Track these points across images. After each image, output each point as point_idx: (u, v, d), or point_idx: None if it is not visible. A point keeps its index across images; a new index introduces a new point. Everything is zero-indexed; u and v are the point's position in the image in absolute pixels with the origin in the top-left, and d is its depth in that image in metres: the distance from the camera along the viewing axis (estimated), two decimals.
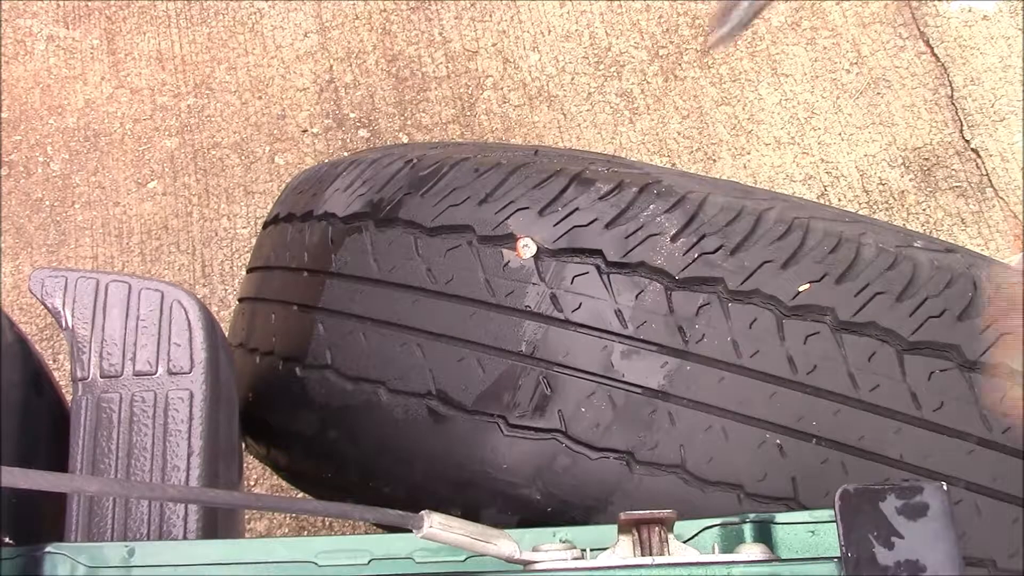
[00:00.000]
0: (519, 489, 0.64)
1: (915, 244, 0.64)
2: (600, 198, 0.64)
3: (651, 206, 0.63)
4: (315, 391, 0.74)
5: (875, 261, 0.61)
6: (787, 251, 0.61)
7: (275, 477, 1.39)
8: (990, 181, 1.58)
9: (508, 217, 0.64)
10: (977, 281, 0.60)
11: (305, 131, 1.72)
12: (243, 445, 0.90)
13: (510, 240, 0.64)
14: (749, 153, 1.64)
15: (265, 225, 0.90)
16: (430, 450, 0.68)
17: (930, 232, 1.56)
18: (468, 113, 1.71)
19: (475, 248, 0.66)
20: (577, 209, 0.64)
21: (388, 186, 0.73)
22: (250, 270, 0.92)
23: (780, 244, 0.61)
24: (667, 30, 1.74)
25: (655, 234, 0.63)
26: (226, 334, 0.81)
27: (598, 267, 0.63)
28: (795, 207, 0.65)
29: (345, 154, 1.69)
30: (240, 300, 0.92)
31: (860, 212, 1.58)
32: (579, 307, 0.62)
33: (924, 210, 1.58)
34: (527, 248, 0.63)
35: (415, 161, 0.73)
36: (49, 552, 0.55)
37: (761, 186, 1.61)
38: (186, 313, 0.74)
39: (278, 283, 0.82)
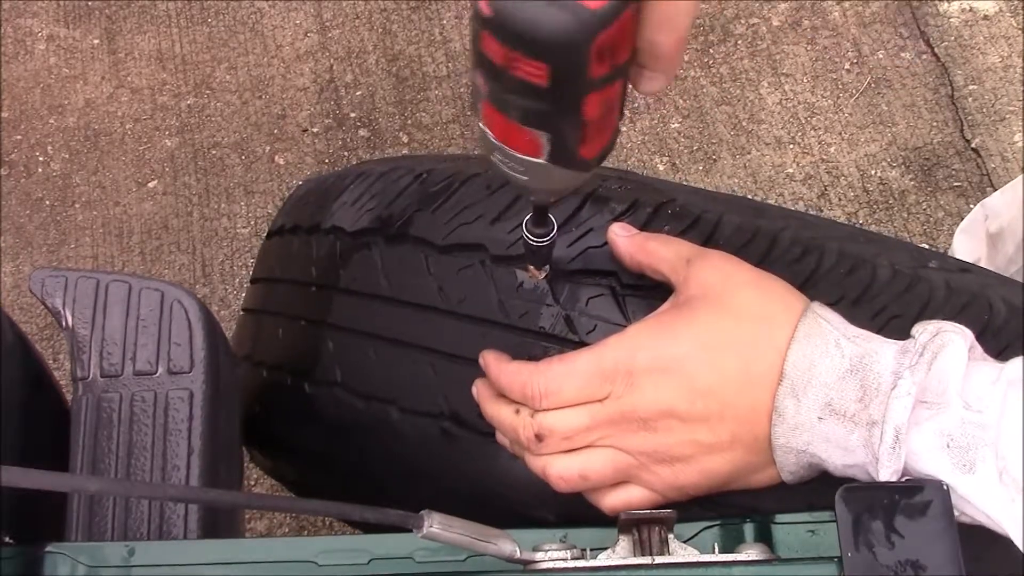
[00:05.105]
0: (532, 510, 0.63)
1: (930, 264, 0.63)
2: (614, 218, 0.63)
3: (666, 227, 0.62)
4: (324, 408, 0.73)
5: (891, 283, 0.60)
6: (803, 274, 0.60)
7: None
8: (990, 181, 1.58)
9: (521, 237, 0.63)
10: (992, 302, 0.60)
11: (305, 131, 1.72)
12: (248, 456, 0.90)
13: (523, 260, 0.63)
14: (749, 152, 1.64)
15: (269, 235, 0.89)
16: (442, 470, 0.67)
17: (931, 232, 1.56)
18: (468, 113, 1.71)
19: (488, 268, 0.65)
20: (591, 230, 0.63)
21: (397, 201, 0.72)
22: (254, 280, 0.91)
23: (796, 266, 0.60)
24: None
25: None
26: (228, 337, 0.81)
27: (613, 289, 0.62)
28: (809, 227, 0.64)
29: (345, 153, 1.69)
30: (245, 311, 0.92)
31: (860, 212, 1.58)
32: (594, 329, 0.61)
33: (924, 210, 1.58)
34: (541, 269, 0.62)
35: (425, 176, 0.72)
36: (49, 551, 0.55)
37: (761, 185, 1.61)
38: (186, 313, 0.74)
39: (285, 297, 0.82)
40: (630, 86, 0.48)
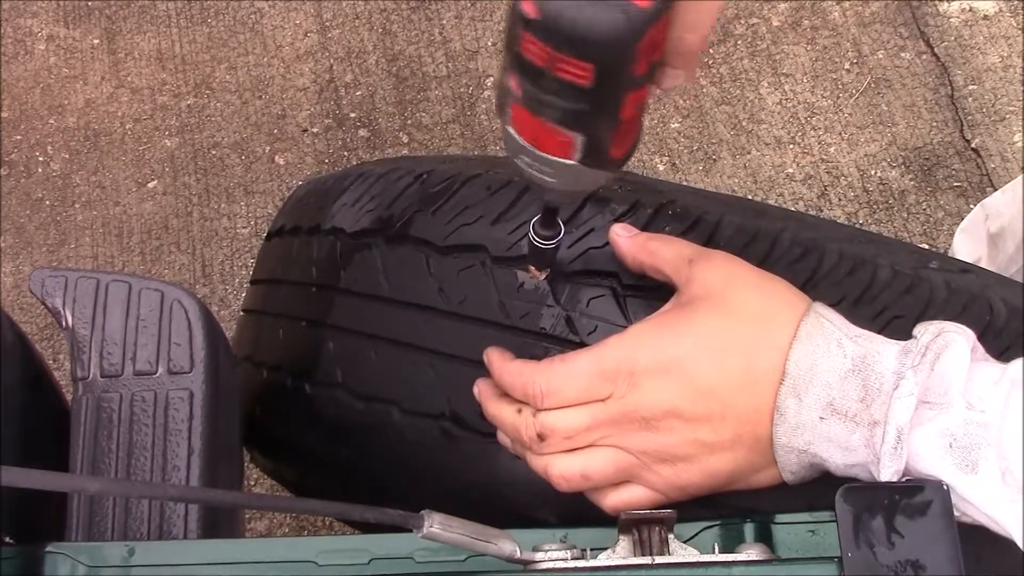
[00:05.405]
0: (533, 511, 0.63)
1: (930, 265, 0.63)
2: (615, 219, 0.63)
3: (667, 228, 0.62)
4: (325, 409, 0.73)
5: (892, 284, 0.60)
6: (804, 275, 0.60)
7: None
8: (990, 181, 1.58)
9: (522, 238, 0.63)
10: (993, 303, 0.60)
11: (305, 131, 1.72)
12: (248, 457, 0.90)
13: (524, 261, 0.63)
14: (749, 152, 1.64)
15: (269, 236, 0.89)
16: (443, 471, 0.67)
17: (931, 232, 1.56)
18: (468, 113, 1.71)
19: (488, 269, 0.65)
20: (592, 230, 0.63)
21: (398, 202, 0.72)
22: (255, 281, 0.91)
23: (797, 267, 0.60)
24: None
25: None
26: (228, 337, 0.81)
27: (614, 290, 0.61)
28: (809, 227, 0.64)
29: (345, 153, 1.69)
30: (245, 311, 0.92)
31: (860, 212, 1.58)
32: (595, 330, 0.61)
33: (924, 210, 1.58)
34: (542, 270, 0.62)
35: (425, 177, 0.72)
36: (49, 551, 0.55)
37: (761, 185, 1.61)
38: (186, 313, 0.74)
39: (285, 298, 0.81)
40: None
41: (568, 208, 0.63)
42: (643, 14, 0.42)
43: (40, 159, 1.74)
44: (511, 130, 0.48)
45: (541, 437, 0.55)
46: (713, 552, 0.52)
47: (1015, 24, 1.70)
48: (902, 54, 1.70)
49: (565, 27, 0.42)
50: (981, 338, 0.51)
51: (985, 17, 1.71)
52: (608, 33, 0.42)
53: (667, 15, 0.43)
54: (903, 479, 0.49)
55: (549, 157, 0.48)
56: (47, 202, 1.70)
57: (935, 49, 1.69)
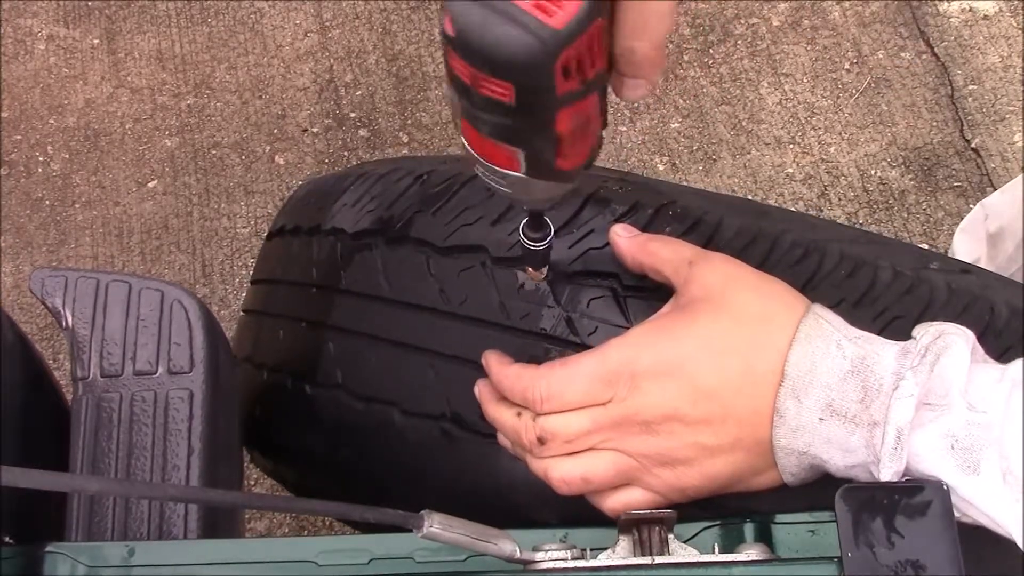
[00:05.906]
0: (534, 512, 0.63)
1: (931, 266, 0.63)
2: (615, 220, 0.63)
3: (667, 228, 0.62)
4: (325, 410, 0.73)
5: (892, 285, 0.60)
6: (804, 276, 0.60)
7: None
8: (990, 181, 1.58)
9: None
10: (993, 304, 0.60)
11: (305, 131, 1.72)
12: (249, 457, 0.90)
13: (523, 262, 0.63)
14: (749, 152, 1.64)
15: (269, 236, 0.89)
16: (443, 472, 0.67)
17: (930, 232, 1.56)
18: None
19: (489, 269, 0.65)
20: (593, 231, 0.63)
21: (398, 203, 0.72)
22: (255, 281, 0.91)
23: (797, 268, 0.60)
24: None
25: None
26: (228, 337, 0.81)
27: (614, 291, 0.62)
28: (810, 228, 0.64)
29: (345, 153, 1.69)
30: (245, 312, 0.92)
31: (860, 212, 1.58)
32: (595, 331, 0.61)
33: (924, 210, 1.58)
34: (542, 270, 0.62)
35: (425, 177, 0.72)
36: (49, 551, 0.55)
37: (761, 185, 1.61)
38: (186, 312, 0.74)
39: (285, 298, 0.81)
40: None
41: (567, 209, 0.63)
42: (555, 36, 0.41)
43: (40, 159, 1.74)
44: (463, 140, 0.48)
45: (541, 441, 0.55)
46: (713, 552, 0.52)
47: (1015, 24, 1.70)
48: (902, 54, 1.70)
49: (477, 47, 0.41)
50: (981, 339, 0.51)
51: (985, 17, 1.71)
52: (519, 55, 0.41)
53: (592, 32, 0.42)
54: (903, 479, 0.49)
55: (498, 169, 0.48)
56: (47, 202, 1.70)
57: (935, 49, 1.69)
